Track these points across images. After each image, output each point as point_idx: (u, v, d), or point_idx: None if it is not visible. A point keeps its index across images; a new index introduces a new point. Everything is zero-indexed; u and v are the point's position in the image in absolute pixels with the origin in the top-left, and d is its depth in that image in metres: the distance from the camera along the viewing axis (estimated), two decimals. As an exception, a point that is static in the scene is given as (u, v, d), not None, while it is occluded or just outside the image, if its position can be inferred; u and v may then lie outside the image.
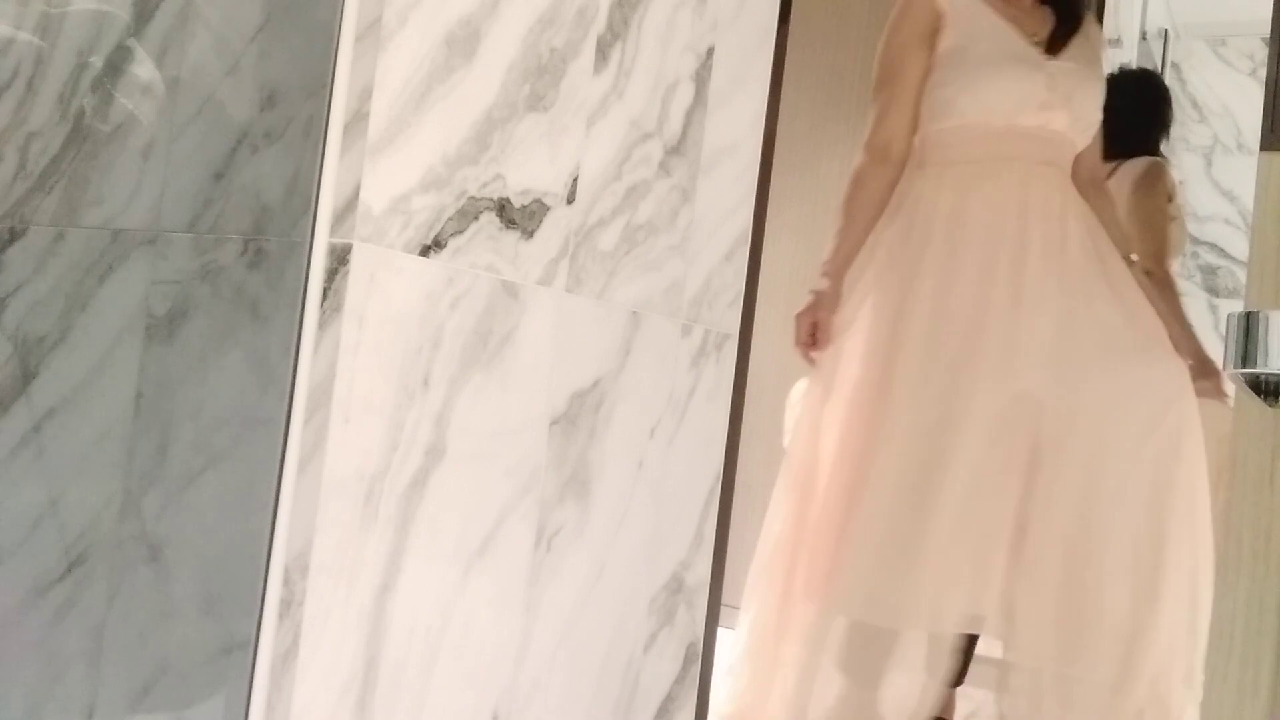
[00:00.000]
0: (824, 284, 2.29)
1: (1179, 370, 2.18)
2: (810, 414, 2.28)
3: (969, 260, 2.18)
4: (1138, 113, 2.98)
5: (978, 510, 2.09)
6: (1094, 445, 2.10)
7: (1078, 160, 2.32)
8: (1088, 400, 2.11)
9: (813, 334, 2.26)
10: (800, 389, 2.34)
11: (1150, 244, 3.02)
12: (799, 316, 2.28)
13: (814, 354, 2.27)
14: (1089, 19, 2.37)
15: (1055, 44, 2.27)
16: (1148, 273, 2.94)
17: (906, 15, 2.31)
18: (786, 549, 2.26)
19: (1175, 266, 3.20)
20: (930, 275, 2.19)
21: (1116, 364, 2.14)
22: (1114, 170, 3.09)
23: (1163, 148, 3.24)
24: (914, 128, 2.32)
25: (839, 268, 2.30)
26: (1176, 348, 2.21)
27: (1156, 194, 3.12)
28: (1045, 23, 2.32)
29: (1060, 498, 2.09)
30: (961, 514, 2.08)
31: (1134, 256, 2.37)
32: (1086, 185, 2.34)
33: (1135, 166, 3.16)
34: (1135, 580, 2.10)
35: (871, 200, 2.33)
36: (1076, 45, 2.31)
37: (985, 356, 2.12)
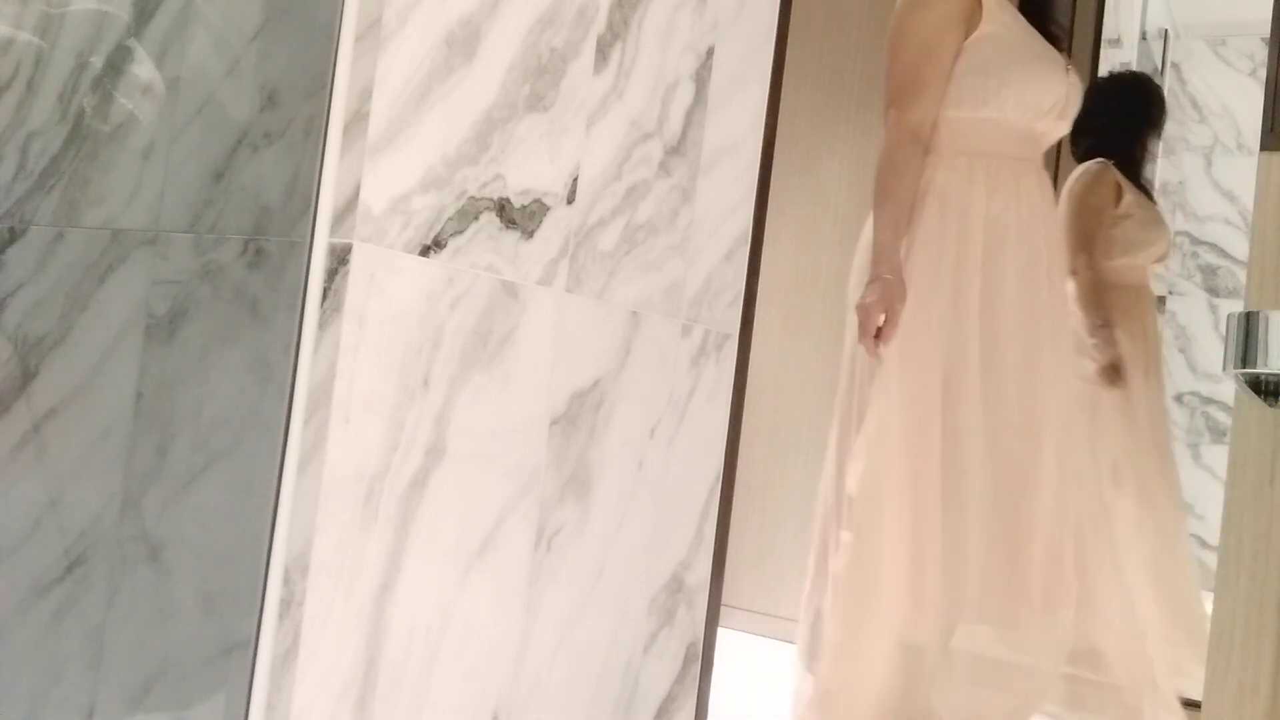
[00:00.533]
0: (891, 274, 2.13)
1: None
2: (893, 419, 2.16)
3: (1012, 260, 2.15)
4: (1117, 116, 3.02)
5: (1063, 510, 2.12)
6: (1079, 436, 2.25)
7: None
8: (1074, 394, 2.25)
9: (880, 325, 2.12)
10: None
11: (1075, 244, 3.12)
12: (869, 307, 2.11)
13: (881, 348, 2.13)
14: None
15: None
16: (1074, 272, 3.04)
17: None
18: (896, 562, 2.16)
19: (1138, 262, 3.25)
20: (977, 275, 2.14)
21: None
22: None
23: (1159, 149, 3.27)
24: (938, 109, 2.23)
25: (897, 255, 2.16)
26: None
27: (1087, 196, 3.18)
28: None
29: (1073, 491, 2.19)
30: (1053, 515, 2.11)
31: None
32: None
33: (1077, 170, 3.23)
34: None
35: (914, 184, 2.20)
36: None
37: (1044, 360, 2.13)
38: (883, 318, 2.10)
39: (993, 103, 2.18)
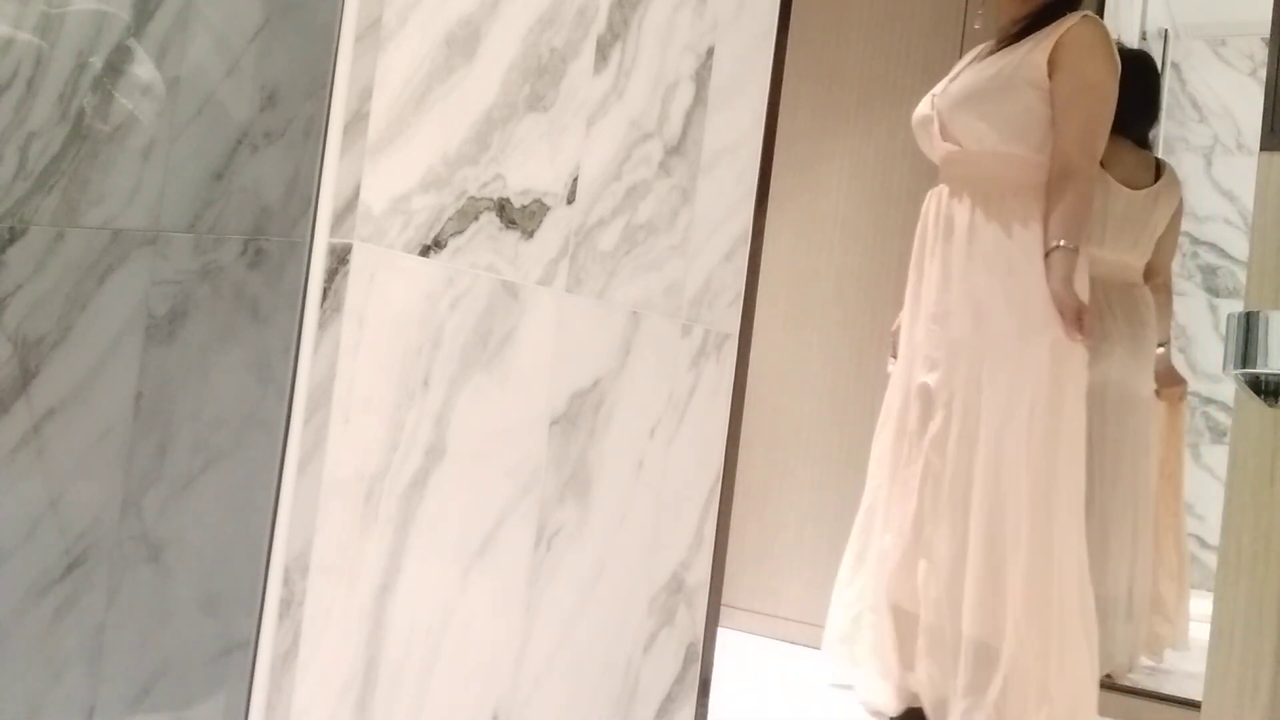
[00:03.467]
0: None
1: (1040, 351, 2.40)
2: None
3: (926, 270, 2.59)
4: (1141, 98, 2.97)
5: (890, 491, 2.57)
6: (969, 423, 2.45)
7: (1052, 155, 2.51)
8: (963, 386, 2.45)
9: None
10: None
11: (1173, 249, 3.11)
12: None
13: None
14: (1053, 29, 2.50)
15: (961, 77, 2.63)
16: (1165, 284, 3.02)
17: None
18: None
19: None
20: (912, 284, 2.67)
21: (987, 348, 2.44)
22: (1159, 168, 3.10)
23: (1159, 149, 3.26)
24: None
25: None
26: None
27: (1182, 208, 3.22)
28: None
29: (952, 469, 2.45)
30: (885, 495, 2.59)
31: (1061, 242, 2.42)
32: (1056, 177, 2.48)
33: (1176, 178, 3.18)
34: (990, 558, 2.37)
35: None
36: (992, 63, 2.55)
37: (905, 358, 2.59)
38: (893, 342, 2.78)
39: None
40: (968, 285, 2.46)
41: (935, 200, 2.60)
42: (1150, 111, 3.07)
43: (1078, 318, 2.34)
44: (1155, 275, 3.04)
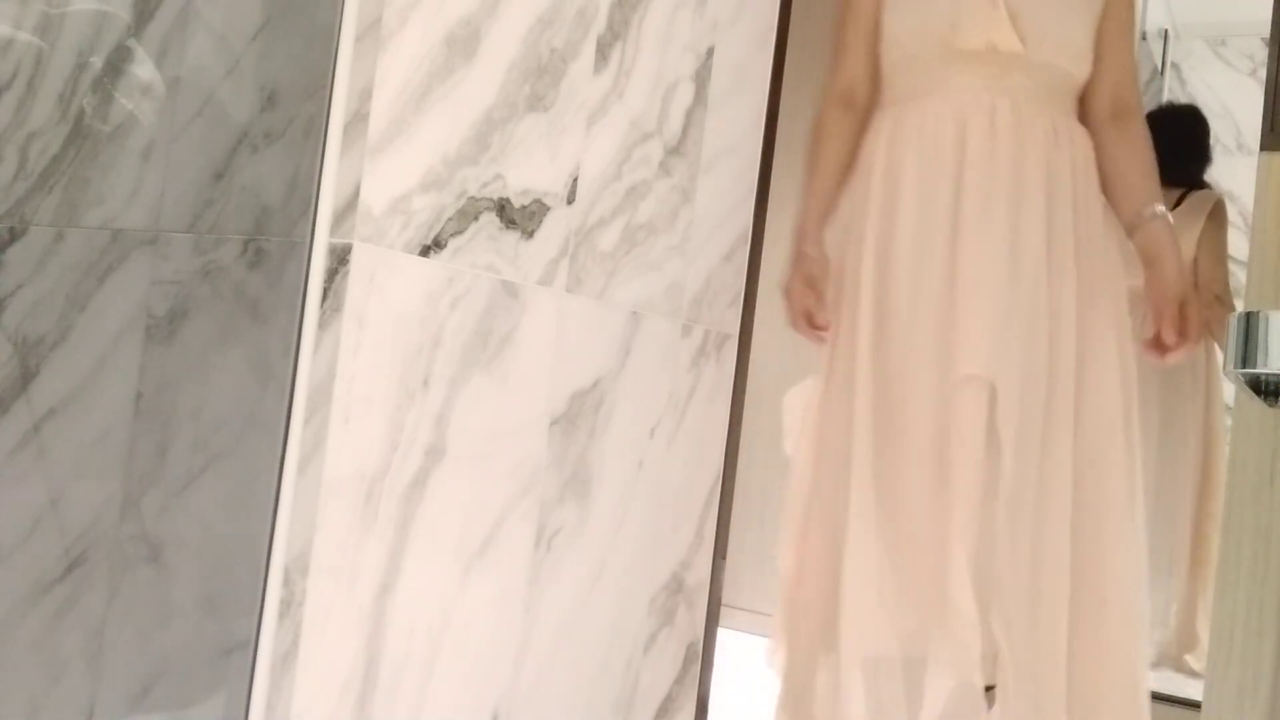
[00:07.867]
0: (812, 249, 1.85)
1: (1123, 369, 1.79)
2: (809, 416, 1.86)
3: (904, 222, 1.80)
4: (1186, 146, 2.88)
5: (939, 517, 1.71)
6: (1038, 432, 1.74)
7: (1091, 90, 1.92)
8: (1033, 384, 1.75)
9: (808, 308, 1.81)
10: (796, 390, 1.88)
11: (1223, 275, 3.12)
12: (789, 289, 1.82)
13: (821, 331, 1.82)
14: None
15: None
16: (1218, 298, 3.02)
17: None
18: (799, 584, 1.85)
19: None
20: (872, 243, 1.81)
21: (1062, 348, 1.76)
22: (1180, 199, 3.12)
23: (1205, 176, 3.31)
24: (875, 66, 1.92)
25: (813, 228, 1.87)
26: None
27: (1225, 229, 3.23)
28: None
29: (1019, 490, 1.71)
30: (927, 524, 1.73)
31: (1159, 208, 1.84)
32: (1105, 119, 1.91)
33: (1206, 200, 3.21)
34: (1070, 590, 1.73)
35: (835, 150, 1.94)
36: None
37: (925, 342, 1.76)
38: (811, 297, 1.81)
39: (892, 40, 1.87)
40: (1045, 261, 1.77)
41: (994, 115, 1.80)
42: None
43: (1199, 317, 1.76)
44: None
